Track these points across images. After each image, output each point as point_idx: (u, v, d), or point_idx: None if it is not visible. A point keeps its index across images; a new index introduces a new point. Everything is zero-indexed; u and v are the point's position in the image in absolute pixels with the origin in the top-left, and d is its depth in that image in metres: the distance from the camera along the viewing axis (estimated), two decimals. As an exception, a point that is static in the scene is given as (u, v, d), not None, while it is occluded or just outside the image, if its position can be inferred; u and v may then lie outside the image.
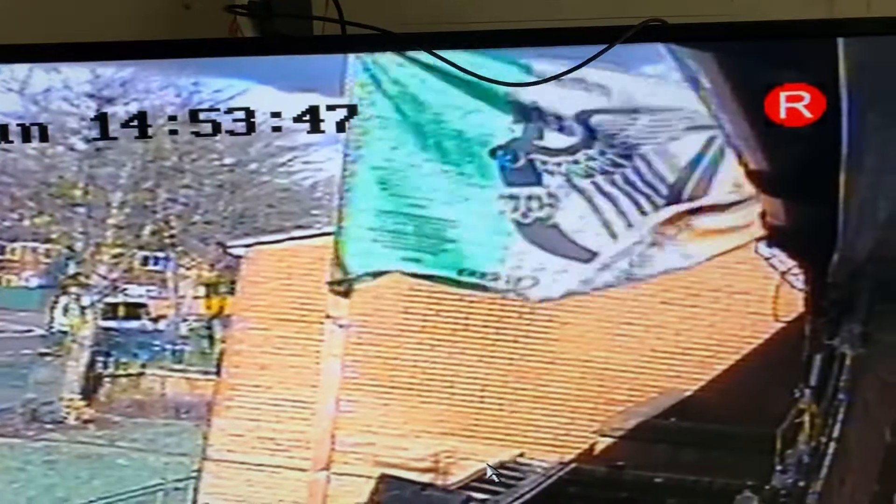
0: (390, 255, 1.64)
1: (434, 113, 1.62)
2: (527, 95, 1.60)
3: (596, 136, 1.60)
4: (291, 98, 1.60)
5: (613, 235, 1.61)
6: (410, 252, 1.64)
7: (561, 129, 1.60)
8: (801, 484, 1.66)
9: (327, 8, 1.72)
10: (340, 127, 1.61)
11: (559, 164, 1.60)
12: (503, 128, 1.61)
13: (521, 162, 1.61)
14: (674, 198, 1.62)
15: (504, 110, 1.61)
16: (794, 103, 1.58)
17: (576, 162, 1.60)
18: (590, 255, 1.63)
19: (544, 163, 1.60)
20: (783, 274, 1.63)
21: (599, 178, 1.60)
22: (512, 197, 1.62)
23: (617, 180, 1.60)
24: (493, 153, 1.61)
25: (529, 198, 1.61)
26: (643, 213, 1.61)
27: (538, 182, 1.61)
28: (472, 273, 1.64)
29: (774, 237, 1.63)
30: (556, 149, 1.61)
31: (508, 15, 1.89)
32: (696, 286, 1.64)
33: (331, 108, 1.60)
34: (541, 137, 1.61)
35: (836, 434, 1.65)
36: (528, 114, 1.61)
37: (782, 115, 1.59)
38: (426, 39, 1.60)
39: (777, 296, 1.63)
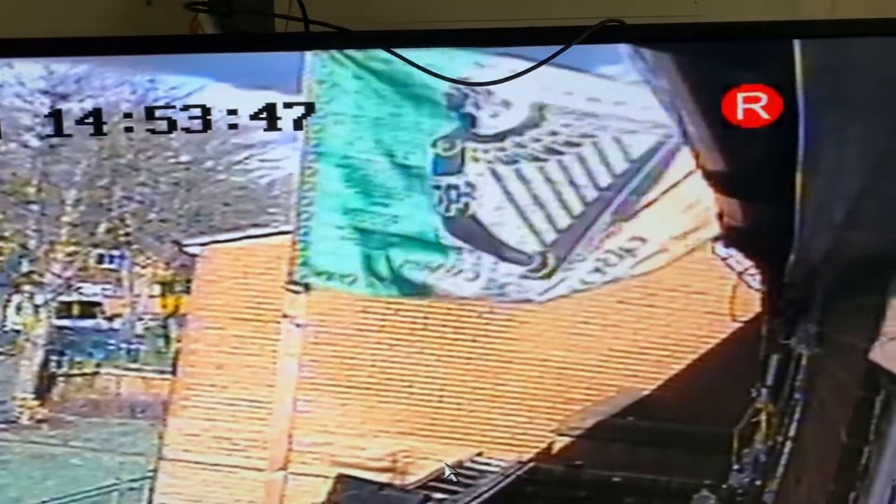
0: (354, 253, 1.64)
1: (390, 108, 1.61)
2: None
3: (536, 123, 1.59)
4: (248, 95, 1.59)
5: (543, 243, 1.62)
6: (371, 249, 1.63)
7: (496, 115, 1.59)
8: (758, 483, 1.67)
9: (291, 6, 1.71)
10: (298, 125, 1.60)
11: (486, 151, 1.59)
12: (443, 119, 1.60)
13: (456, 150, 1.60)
14: (606, 201, 1.62)
15: (451, 107, 1.61)
16: (751, 104, 1.59)
17: (502, 149, 1.59)
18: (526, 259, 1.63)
19: (474, 150, 1.60)
20: (740, 274, 1.64)
21: (525, 165, 1.59)
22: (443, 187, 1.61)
23: (548, 168, 1.60)
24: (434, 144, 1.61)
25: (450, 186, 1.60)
26: (571, 213, 1.61)
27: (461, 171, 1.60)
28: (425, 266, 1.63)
29: (731, 238, 1.63)
30: (486, 135, 1.60)
31: (472, 14, 1.89)
32: (653, 286, 1.64)
33: (288, 105, 1.59)
34: (474, 125, 1.60)
35: (792, 433, 1.66)
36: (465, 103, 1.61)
37: (739, 115, 1.59)
38: (386, 38, 1.59)
39: (734, 296, 1.64)
